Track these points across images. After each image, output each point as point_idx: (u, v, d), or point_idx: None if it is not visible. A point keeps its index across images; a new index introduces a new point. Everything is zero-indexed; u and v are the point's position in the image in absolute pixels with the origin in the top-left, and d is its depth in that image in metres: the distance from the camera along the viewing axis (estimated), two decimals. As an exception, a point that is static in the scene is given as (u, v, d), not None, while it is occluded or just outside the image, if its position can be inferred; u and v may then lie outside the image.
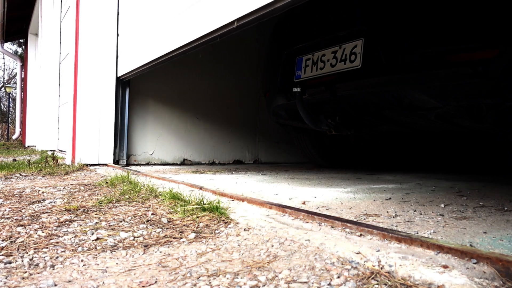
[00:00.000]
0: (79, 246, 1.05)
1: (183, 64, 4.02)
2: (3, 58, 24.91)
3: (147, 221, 1.32)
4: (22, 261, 0.92)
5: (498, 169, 3.62)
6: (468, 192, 1.98)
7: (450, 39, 1.78)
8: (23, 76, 10.26)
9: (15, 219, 1.31)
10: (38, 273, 0.86)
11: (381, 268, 0.83)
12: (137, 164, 3.74)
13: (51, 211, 1.45)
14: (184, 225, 1.26)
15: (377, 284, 0.76)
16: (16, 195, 1.79)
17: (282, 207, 1.38)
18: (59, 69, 6.13)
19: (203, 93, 4.18)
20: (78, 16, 3.33)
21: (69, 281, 0.81)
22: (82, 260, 0.94)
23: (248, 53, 4.48)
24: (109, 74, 3.43)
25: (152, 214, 1.41)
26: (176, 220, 1.32)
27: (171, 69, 3.94)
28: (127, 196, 1.74)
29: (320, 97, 2.48)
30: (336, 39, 2.29)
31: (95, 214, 1.41)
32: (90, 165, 3.27)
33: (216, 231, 1.19)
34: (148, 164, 3.83)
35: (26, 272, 0.86)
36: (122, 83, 3.51)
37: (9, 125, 18.68)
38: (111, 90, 3.42)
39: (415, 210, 1.46)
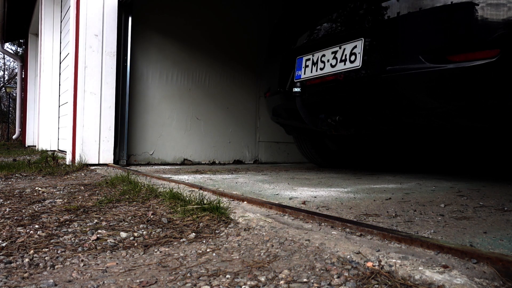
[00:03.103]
0: (79, 246, 1.05)
1: (180, 65, 4.02)
2: (3, 58, 24.91)
3: (147, 221, 1.32)
4: (22, 261, 0.92)
5: (498, 169, 3.62)
6: (468, 192, 1.97)
7: (451, 38, 1.79)
8: (23, 76, 10.26)
9: (15, 219, 1.31)
10: (38, 273, 0.86)
11: (381, 268, 0.83)
12: (137, 164, 3.74)
13: (51, 211, 1.45)
14: (184, 225, 1.26)
15: (377, 284, 0.76)
16: (16, 195, 1.79)
17: (282, 207, 1.38)
18: (59, 69, 6.14)
19: (203, 94, 4.18)
20: None
21: (69, 281, 0.81)
22: (82, 260, 0.94)
23: (248, 50, 4.48)
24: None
25: (152, 214, 1.41)
26: (176, 220, 1.32)
27: (173, 71, 3.95)
28: (127, 196, 1.74)
29: (320, 97, 2.48)
30: (336, 39, 2.29)
31: (95, 214, 1.41)
32: (90, 165, 3.27)
33: (216, 231, 1.19)
34: (148, 164, 3.83)
35: (26, 272, 0.86)
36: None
37: (9, 125, 18.68)
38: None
39: (415, 210, 1.46)
